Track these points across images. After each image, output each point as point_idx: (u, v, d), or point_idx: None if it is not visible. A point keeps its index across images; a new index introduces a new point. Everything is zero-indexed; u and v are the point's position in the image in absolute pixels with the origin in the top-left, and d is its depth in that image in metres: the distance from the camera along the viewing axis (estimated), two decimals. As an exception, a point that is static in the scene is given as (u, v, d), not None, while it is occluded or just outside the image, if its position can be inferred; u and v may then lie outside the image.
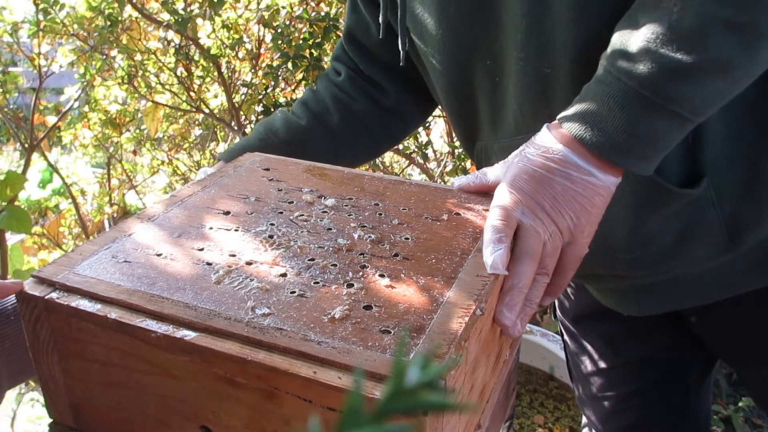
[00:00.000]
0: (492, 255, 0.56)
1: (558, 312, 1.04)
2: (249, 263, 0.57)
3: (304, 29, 1.93)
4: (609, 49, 0.61)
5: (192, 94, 2.33)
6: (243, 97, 2.18)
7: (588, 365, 1.01)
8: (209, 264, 0.56)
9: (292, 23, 1.97)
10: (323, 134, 0.92)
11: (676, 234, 0.72)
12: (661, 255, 0.75)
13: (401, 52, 0.82)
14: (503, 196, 0.61)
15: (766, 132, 0.69)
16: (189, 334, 0.48)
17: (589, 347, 1.00)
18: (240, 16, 2.13)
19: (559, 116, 0.62)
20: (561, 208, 0.60)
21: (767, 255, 0.74)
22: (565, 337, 1.05)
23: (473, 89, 0.78)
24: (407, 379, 0.21)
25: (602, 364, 0.99)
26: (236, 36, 2.10)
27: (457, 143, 2.17)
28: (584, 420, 1.10)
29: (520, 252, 0.58)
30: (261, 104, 1.99)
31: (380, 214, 0.67)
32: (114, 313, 0.50)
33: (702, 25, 0.55)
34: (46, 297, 0.52)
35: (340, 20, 1.81)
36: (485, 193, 0.70)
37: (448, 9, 0.74)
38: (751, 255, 0.74)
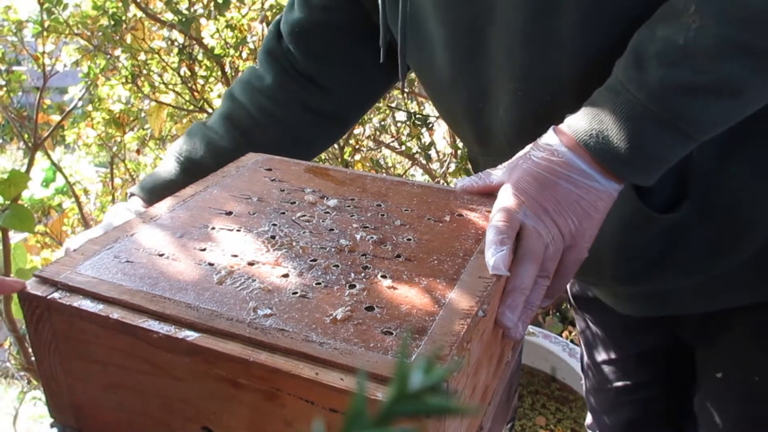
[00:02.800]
0: (494, 256, 0.56)
1: (571, 300, 1.04)
2: (251, 264, 0.57)
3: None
4: (623, 57, 0.60)
5: (195, 93, 2.33)
6: (246, 97, 2.18)
7: (595, 355, 1.02)
8: (211, 264, 0.56)
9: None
10: (251, 151, 0.84)
11: (659, 252, 0.73)
12: (645, 270, 0.76)
13: (401, 81, 0.80)
14: (507, 198, 0.61)
15: (750, 155, 0.68)
16: (191, 335, 0.48)
17: (597, 337, 1.01)
18: (244, 16, 2.13)
19: (566, 119, 0.62)
20: (564, 212, 0.60)
21: (748, 274, 0.74)
22: (578, 325, 1.06)
23: (457, 112, 0.79)
24: (411, 382, 0.21)
25: (610, 355, 1.00)
26: (240, 36, 2.10)
27: (460, 144, 2.16)
28: (587, 421, 1.10)
29: (522, 254, 0.58)
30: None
31: (382, 215, 0.66)
32: (116, 314, 0.50)
33: (717, 46, 0.54)
34: (49, 297, 0.52)
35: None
36: (488, 194, 0.69)
37: (439, 30, 0.72)
38: (733, 274, 0.74)
